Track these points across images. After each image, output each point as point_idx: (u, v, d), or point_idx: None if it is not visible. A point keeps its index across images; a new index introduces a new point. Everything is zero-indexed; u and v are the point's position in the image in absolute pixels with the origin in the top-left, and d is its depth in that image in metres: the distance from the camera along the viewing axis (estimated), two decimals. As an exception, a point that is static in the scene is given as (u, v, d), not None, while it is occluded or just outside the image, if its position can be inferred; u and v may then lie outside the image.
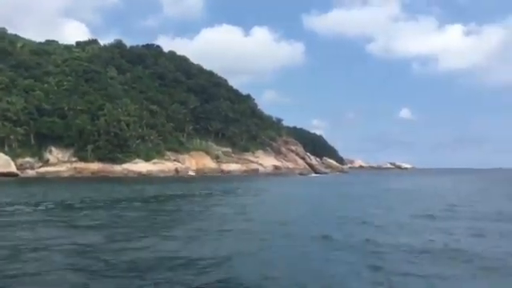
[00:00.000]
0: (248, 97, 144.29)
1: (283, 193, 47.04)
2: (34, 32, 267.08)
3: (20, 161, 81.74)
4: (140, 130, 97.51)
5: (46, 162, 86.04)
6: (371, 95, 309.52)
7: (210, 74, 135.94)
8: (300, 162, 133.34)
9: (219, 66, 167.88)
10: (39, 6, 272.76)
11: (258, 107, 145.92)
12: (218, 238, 16.01)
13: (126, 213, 24.16)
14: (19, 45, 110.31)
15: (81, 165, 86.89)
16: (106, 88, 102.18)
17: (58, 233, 16.99)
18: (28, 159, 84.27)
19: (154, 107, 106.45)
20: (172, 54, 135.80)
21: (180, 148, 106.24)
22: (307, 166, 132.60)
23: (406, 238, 16.01)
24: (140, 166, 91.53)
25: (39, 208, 26.04)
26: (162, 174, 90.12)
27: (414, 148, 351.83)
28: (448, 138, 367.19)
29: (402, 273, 11.15)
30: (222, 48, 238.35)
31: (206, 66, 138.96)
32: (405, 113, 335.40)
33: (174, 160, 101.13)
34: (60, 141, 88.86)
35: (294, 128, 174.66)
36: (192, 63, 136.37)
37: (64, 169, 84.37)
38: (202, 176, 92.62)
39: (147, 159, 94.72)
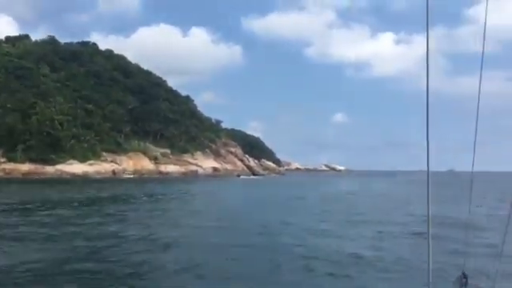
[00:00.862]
0: (187, 98, 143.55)
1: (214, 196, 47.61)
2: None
3: None
4: (75, 130, 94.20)
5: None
6: (307, 98, 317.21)
7: (149, 73, 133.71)
8: (239, 163, 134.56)
9: (155, 66, 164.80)
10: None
11: (198, 108, 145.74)
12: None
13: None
14: None
15: (10, 166, 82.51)
16: (39, 86, 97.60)
17: None
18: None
19: (90, 106, 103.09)
20: (109, 52, 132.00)
21: (117, 149, 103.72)
22: (246, 168, 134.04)
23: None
24: (74, 168, 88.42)
25: None
26: (98, 176, 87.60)
27: (348, 150, 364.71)
28: (379, 140, 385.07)
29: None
30: (159, 47, 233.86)
31: (143, 66, 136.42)
32: (339, 116, 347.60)
33: (111, 161, 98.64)
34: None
35: (232, 130, 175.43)
36: (130, 62, 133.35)
37: (-9, 170, 79.83)
38: (140, 178, 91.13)
39: (82, 160, 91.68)
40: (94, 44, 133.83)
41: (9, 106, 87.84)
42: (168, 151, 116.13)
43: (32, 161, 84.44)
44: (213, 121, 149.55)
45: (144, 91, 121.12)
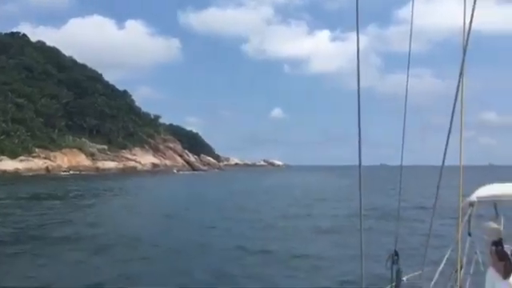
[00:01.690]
0: (125, 93, 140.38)
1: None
2: None
3: None
4: (4, 125, 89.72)
5: None
6: (245, 94, 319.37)
7: (84, 67, 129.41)
8: (178, 159, 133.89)
9: (90, 59, 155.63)
10: None
11: (136, 104, 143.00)
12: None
13: None
14: None
15: None
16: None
17: None
18: None
19: (21, 101, 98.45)
20: (41, 44, 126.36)
21: (51, 145, 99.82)
22: (186, 164, 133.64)
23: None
24: (4, 164, 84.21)
25: None
26: (30, 173, 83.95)
27: (287, 146, 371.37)
28: (319, 136, 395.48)
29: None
30: (92, 40, 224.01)
31: (76, 59, 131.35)
32: (277, 112, 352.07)
33: (44, 158, 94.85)
34: None
35: (171, 125, 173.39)
36: (64, 55, 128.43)
37: None
38: (76, 175, 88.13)
39: (13, 157, 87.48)
40: (25, 35, 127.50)
41: None
42: (105, 147, 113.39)
43: (-43, 157, 79.77)
44: (151, 116, 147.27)
45: (79, 85, 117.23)
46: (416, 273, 4.55)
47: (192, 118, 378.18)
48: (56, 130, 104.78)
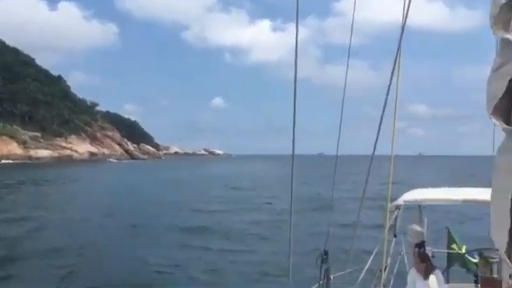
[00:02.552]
0: (59, 78, 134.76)
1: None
2: None
3: None
4: None
5: None
6: (185, 82, 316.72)
7: (15, 51, 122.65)
8: (117, 148, 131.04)
9: (20, 42, 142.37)
10: None
11: (71, 90, 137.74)
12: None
13: None
14: None
15: None
16: None
17: None
18: None
19: None
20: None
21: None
22: (124, 153, 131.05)
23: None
24: None
25: None
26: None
27: (227, 135, 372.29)
28: (260, 125, 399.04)
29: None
30: (22, 22, 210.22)
31: (4, 41, 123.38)
32: (218, 101, 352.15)
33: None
34: None
35: (108, 112, 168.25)
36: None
37: None
38: (6, 164, 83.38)
39: None
40: None
41: None
42: (38, 134, 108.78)
43: None
44: (88, 103, 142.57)
45: (10, 70, 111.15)
46: (343, 272, 4.74)
47: (130, 105, 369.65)
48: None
